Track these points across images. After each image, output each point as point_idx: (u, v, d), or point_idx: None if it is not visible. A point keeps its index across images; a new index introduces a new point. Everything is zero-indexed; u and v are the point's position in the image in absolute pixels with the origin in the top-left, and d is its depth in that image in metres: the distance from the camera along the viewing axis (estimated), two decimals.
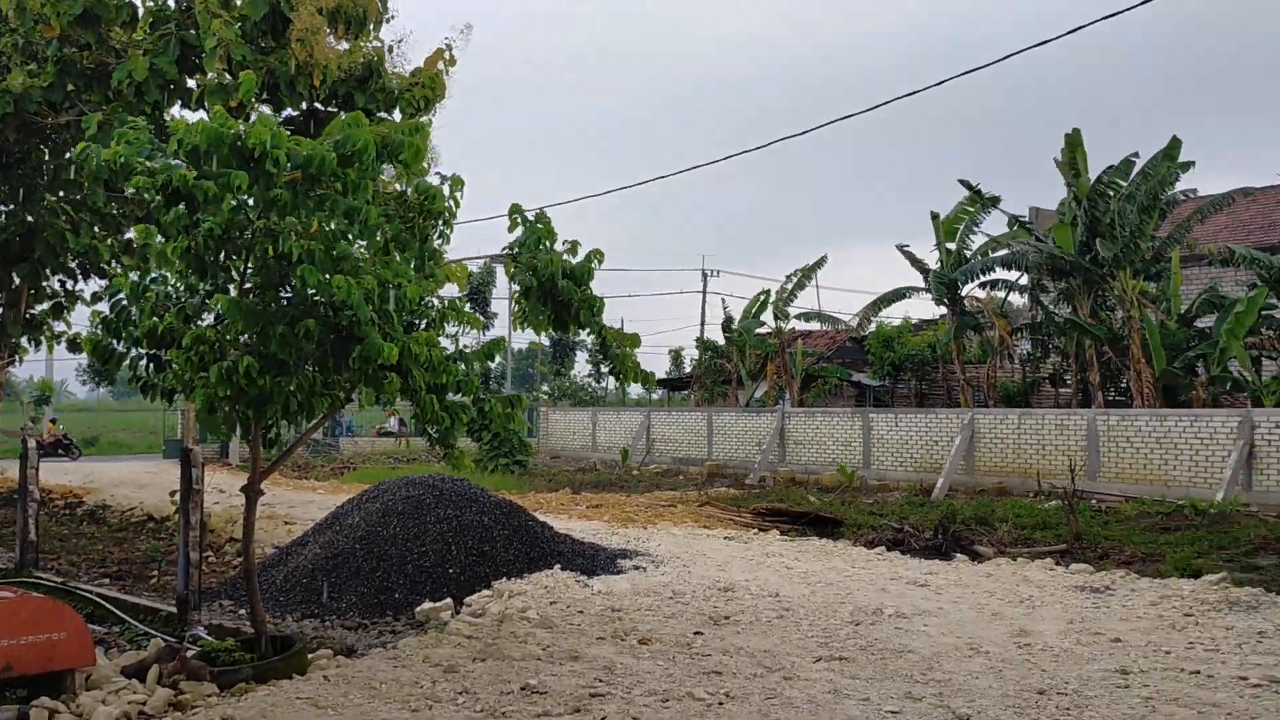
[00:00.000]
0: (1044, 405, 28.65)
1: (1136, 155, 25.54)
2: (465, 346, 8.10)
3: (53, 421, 36.61)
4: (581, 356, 58.06)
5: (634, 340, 8.13)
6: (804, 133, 18.01)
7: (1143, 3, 13.22)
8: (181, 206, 6.62)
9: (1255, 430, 18.73)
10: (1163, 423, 20.20)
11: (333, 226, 6.95)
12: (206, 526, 12.07)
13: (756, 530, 16.18)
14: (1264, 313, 23.03)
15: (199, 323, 7.22)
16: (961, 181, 26.93)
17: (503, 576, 11.02)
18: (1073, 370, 27.14)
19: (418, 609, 9.84)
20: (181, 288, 7.33)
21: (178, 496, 8.63)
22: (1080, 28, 13.09)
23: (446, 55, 13.45)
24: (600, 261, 7.99)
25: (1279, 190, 29.33)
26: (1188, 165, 24.98)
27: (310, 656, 7.83)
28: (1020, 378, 31.34)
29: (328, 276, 6.63)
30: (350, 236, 7.14)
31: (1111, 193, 25.01)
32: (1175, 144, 24.97)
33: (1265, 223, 30.57)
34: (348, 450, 35.90)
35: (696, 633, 8.80)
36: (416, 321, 7.68)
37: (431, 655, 7.91)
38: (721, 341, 35.45)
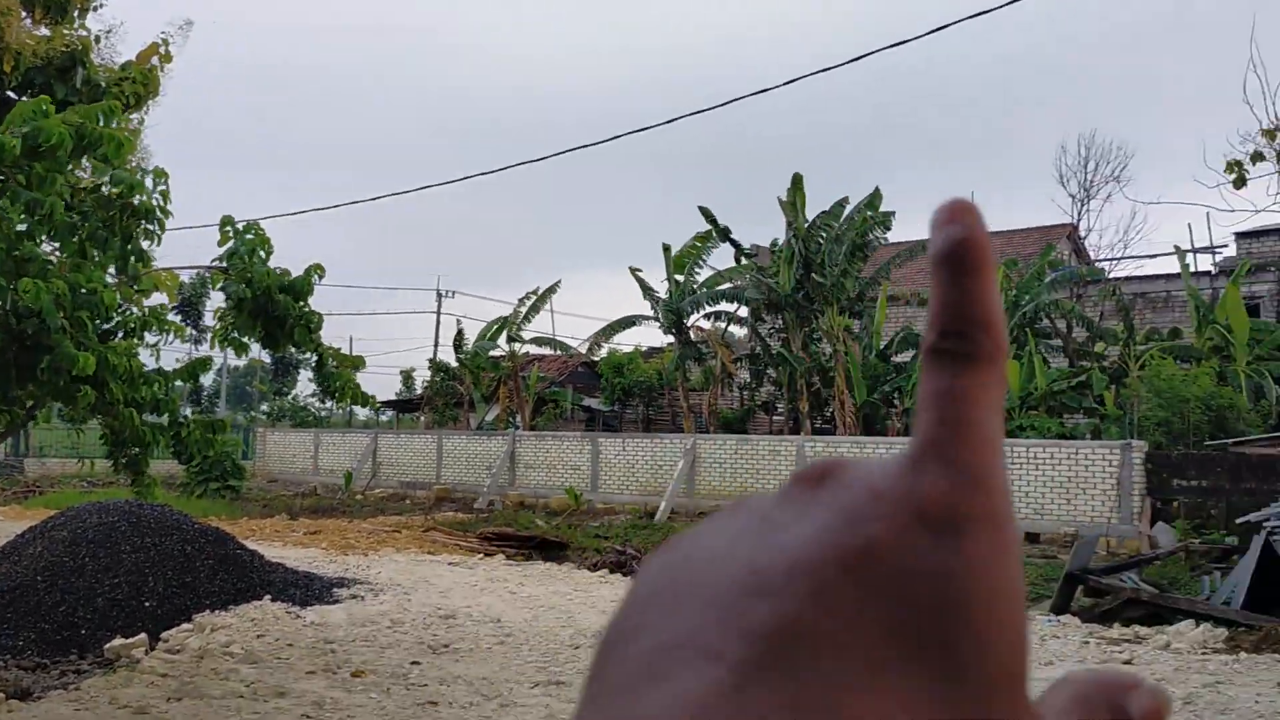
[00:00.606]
0: (760, 432, 30.20)
1: (846, 200, 27.56)
2: (177, 360, 7.58)
3: None
4: (305, 375, 55.75)
5: (357, 362, 7.88)
6: (541, 159, 18.31)
7: (853, 60, 14.33)
8: None
9: None
10: (862, 449, 21.79)
11: (17, 225, 6.31)
12: None
13: (482, 555, 16.06)
14: None
15: None
16: (701, 209, 27.97)
17: (205, 609, 10.34)
18: (785, 399, 28.79)
19: (107, 646, 9.04)
20: None
21: None
22: (797, 79, 14.03)
23: (162, 50, 12.60)
24: (321, 276, 7.70)
25: None
26: (889, 215, 27.21)
27: None
28: (739, 405, 32.91)
29: (11, 281, 6.01)
30: (38, 237, 6.51)
31: (824, 234, 26.86)
32: (877, 194, 27.16)
33: None
34: (34, 471, 32.63)
35: (414, 662, 8.61)
36: (114, 330, 7.10)
37: (119, 696, 7.29)
38: (455, 363, 35.07)
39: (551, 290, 32.55)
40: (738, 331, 32.25)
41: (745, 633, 0.27)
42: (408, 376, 50.53)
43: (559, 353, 35.19)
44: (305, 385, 56.66)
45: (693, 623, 0.28)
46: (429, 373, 37.57)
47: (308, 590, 11.80)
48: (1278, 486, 16.64)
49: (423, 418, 37.22)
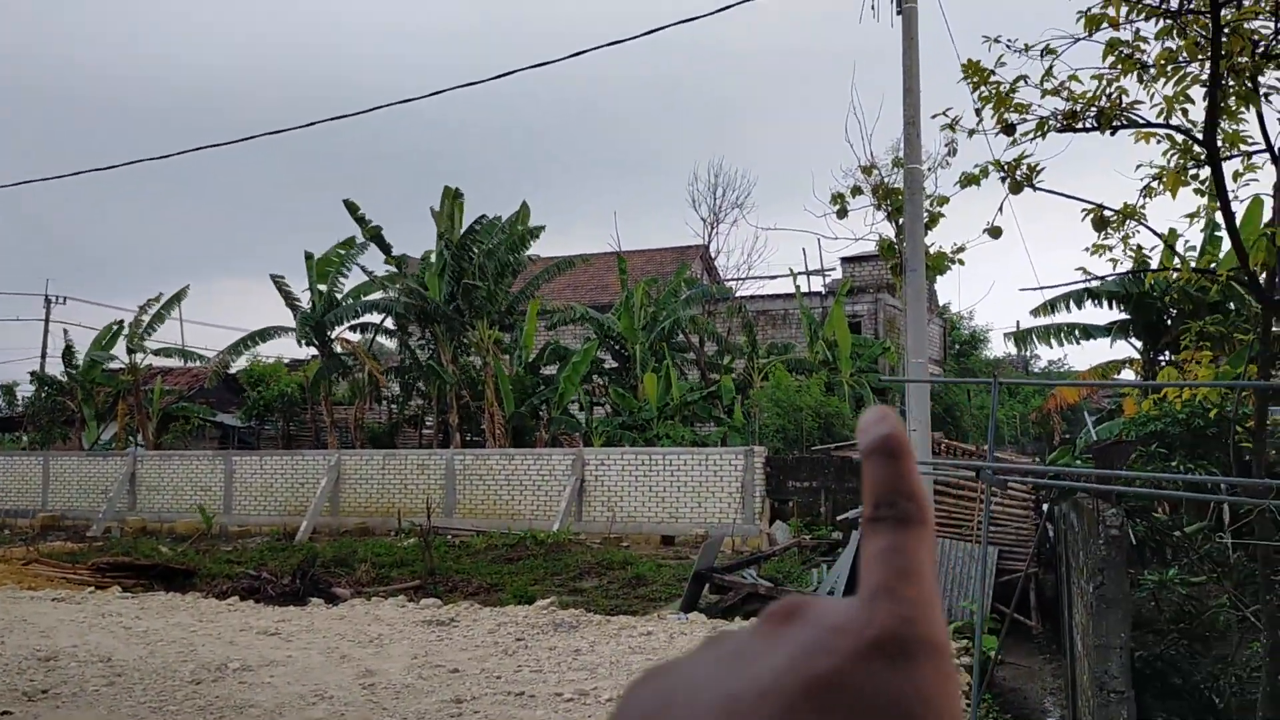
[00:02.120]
0: (409, 446, 29.72)
1: (500, 216, 27.81)
2: None
3: None
4: None
5: None
6: (164, 156, 16.86)
7: (499, 76, 14.52)
8: None
9: (586, 467, 21.23)
10: (511, 461, 22.04)
11: None
12: None
13: (94, 588, 14.61)
14: (596, 363, 26.30)
15: None
16: (346, 203, 26.97)
17: None
18: (435, 412, 28.54)
19: None
20: None
21: None
22: (442, 91, 13.99)
23: None
24: None
25: (610, 256, 33.87)
26: (539, 229, 27.78)
27: None
28: (387, 419, 32.22)
29: None
30: None
31: (476, 247, 26.94)
32: (525, 209, 27.67)
33: (599, 284, 35.02)
34: None
35: (4, 713, 7.66)
36: None
37: None
38: (64, 376, 31.63)
39: (178, 297, 30.24)
40: (387, 343, 31.57)
41: None
42: (8, 391, 44.90)
43: (191, 364, 32.77)
44: None
45: None
46: (33, 387, 33.70)
47: None
48: None
49: (25, 437, 33.29)
